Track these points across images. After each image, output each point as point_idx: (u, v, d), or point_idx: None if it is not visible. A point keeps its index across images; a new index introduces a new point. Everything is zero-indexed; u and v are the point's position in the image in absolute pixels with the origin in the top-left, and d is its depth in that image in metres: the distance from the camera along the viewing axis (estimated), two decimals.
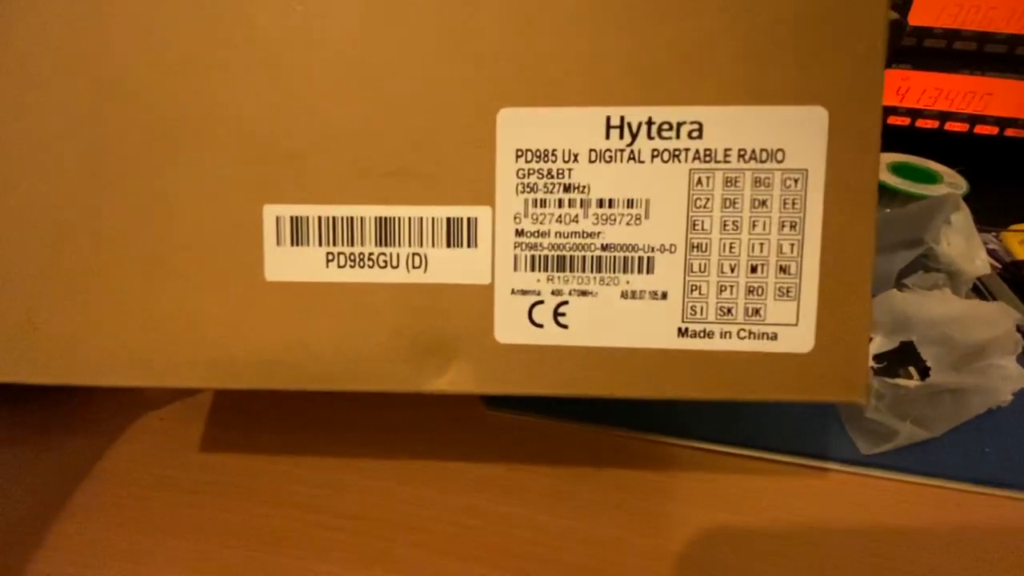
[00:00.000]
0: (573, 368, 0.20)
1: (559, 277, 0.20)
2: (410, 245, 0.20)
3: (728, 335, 0.19)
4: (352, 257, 0.20)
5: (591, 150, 0.19)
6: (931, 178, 0.40)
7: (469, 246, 0.20)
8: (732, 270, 0.19)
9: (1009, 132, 0.45)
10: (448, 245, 0.20)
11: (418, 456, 0.26)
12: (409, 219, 0.20)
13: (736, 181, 0.19)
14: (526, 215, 0.19)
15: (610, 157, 0.19)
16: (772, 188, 0.19)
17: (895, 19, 0.41)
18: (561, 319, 0.20)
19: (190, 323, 0.20)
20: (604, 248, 0.19)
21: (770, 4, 0.18)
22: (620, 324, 0.20)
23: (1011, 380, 0.26)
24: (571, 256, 0.20)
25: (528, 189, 0.19)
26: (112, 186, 0.20)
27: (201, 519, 0.23)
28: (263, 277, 0.20)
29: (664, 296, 0.19)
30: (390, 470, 0.25)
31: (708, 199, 0.19)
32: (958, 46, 0.44)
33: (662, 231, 0.19)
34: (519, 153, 0.19)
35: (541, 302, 0.20)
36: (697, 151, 0.19)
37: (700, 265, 0.19)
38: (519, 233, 0.19)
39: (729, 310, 0.19)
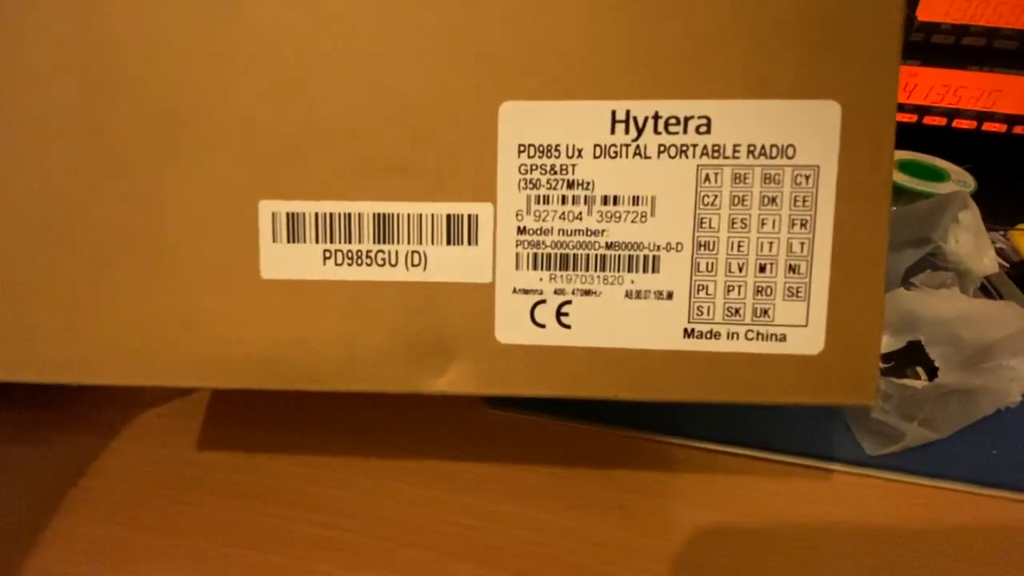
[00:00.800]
0: (576, 369, 0.19)
1: (562, 276, 0.19)
2: (409, 243, 0.19)
3: (735, 336, 0.19)
4: (350, 255, 0.19)
5: (596, 145, 0.19)
6: (938, 176, 0.40)
7: (470, 244, 0.19)
8: (740, 269, 0.19)
9: (1018, 130, 0.45)
10: (448, 243, 0.19)
11: (418, 455, 0.26)
12: (408, 216, 0.19)
13: (745, 177, 0.18)
14: (528, 212, 0.19)
15: (615, 153, 0.18)
16: (782, 185, 0.18)
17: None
18: (564, 319, 0.19)
19: (186, 321, 0.20)
20: (608, 246, 0.19)
21: None
22: (624, 324, 0.19)
23: (1020, 381, 0.26)
24: (574, 254, 0.19)
25: (530, 185, 0.19)
26: (107, 183, 0.19)
27: (199, 517, 0.23)
28: (259, 275, 0.20)
29: (670, 296, 0.19)
30: (389, 469, 0.25)
31: (716, 196, 0.18)
32: (967, 42, 0.43)
33: (668, 229, 0.19)
34: (521, 148, 0.19)
35: (543, 301, 0.19)
36: (705, 146, 0.18)
37: (707, 264, 0.19)
38: (521, 231, 0.19)
39: (737, 310, 0.19)
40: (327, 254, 0.20)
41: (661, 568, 0.22)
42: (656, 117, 0.18)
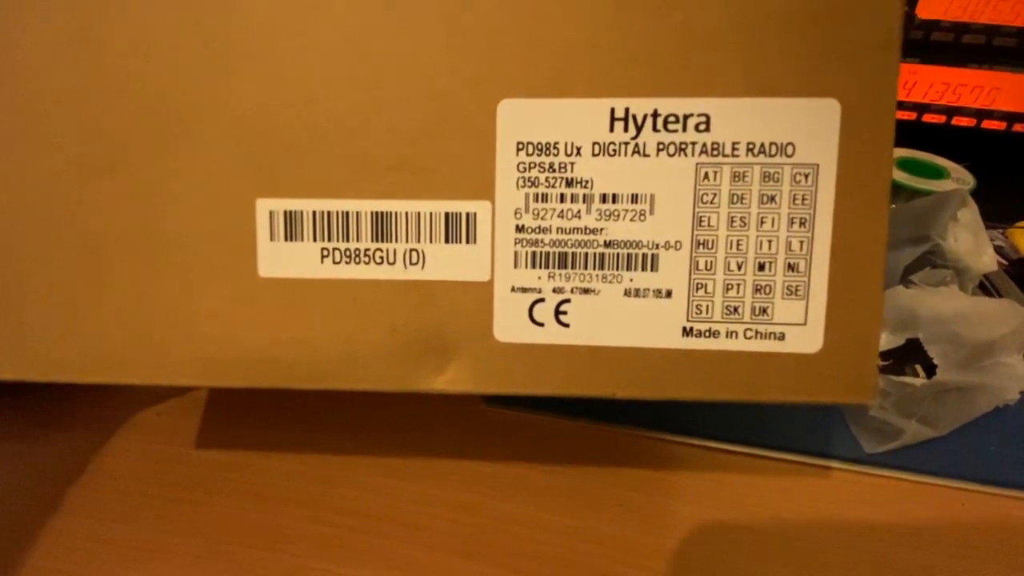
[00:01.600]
0: (574, 368, 0.19)
1: (560, 274, 0.19)
2: (407, 241, 0.19)
3: (734, 335, 0.19)
4: (348, 253, 0.19)
5: (594, 143, 0.18)
6: (938, 173, 0.40)
7: (468, 242, 0.19)
8: (739, 268, 0.19)
9: (1017, 127, 0.45)
10: (446, 241, 0.19)
11: (417, 453, 0.26)
12: (406, 214, 0.19)
13: (744, 176, 0.18)
14: (527, 210, 0.19)
15: (614, 150, 0.18)
16: (781, 183, 0.18)
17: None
18: (562, 317, 0.19)
19: (182, 320, 0.20)
20: (607, 245, 0.19)
21: None
22: (623, 323, 0.19)
23: (1018, 378, 0.26)
24: (573, 253, 0.19)
25: (529, 183, 0.19)
26: (103, 181, 0.19)
27: (198, 515, 0.23)
28: (257, 273, 0.20)
29: (668, 294, 0.19)
30: (388, 467, 0.25)
31: (715, 194, 0.18)
32: (966, 40, 0.43)
33: (667, 227, 0.19)
34: (520, 146, 0.19)
35: (542, 300, 0.19)
36: (704, 145, 0.18)
37: (706, 263, 0.19)
38: (519, 229, 0.19)
39: (735, 309, 0.19)
40: (325, 252, 0.19)
41: (660, 565, 0.22)
42: (655, 115, 0.18)
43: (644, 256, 0.19)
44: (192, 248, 0.19)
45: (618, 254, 0.19)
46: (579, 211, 0.19)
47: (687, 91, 0.18)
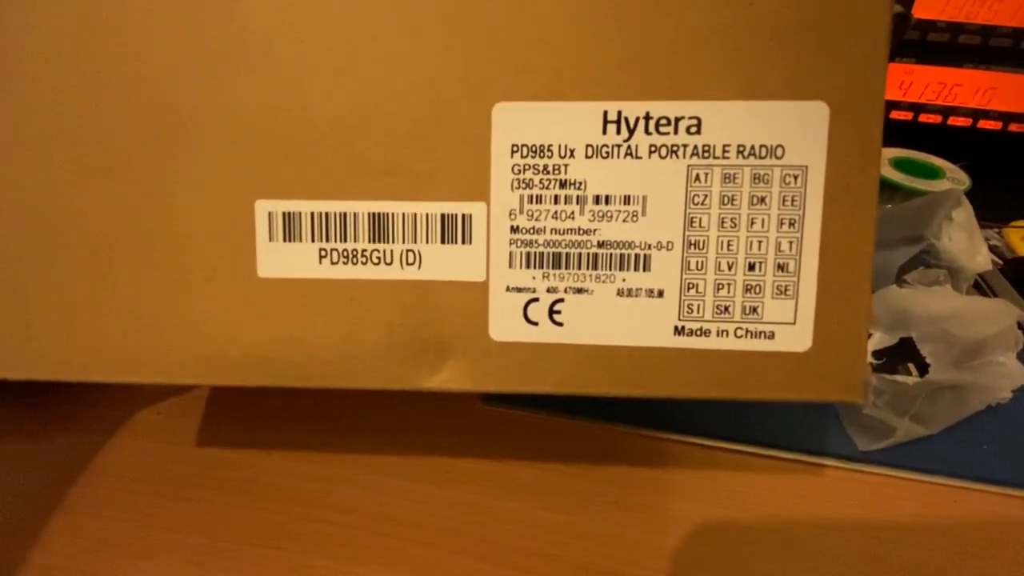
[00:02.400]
0: (568, 366, 0.20)
1: (554, 274, 0.19)
2: (404, 242, 0.19)
3: (725, 333, 0.19)
4: (345, 253, 0.20)
5: (588, 145, 0.19)
6: (933, 173, 0.40)
7: (463, 243, 0.19)
8: (730, 268, 0.19)
9: (1013, 127, 0.45)
10: (442, 241, 0.19)
11: (414, 451, 0.26)
12: (403, 215, 0.19)
13: (735, 177, 0.18)
14: (521, 211, 0.19)
15: (607, 153, 0.19)
16: (771, 185, 0.18)
17: (899, 12, 0.41)
18: (556, 317, 0.20)
19: (182, 319, 0.20)
20: (600, 245, 0.19)
21: None
22: (616, 322, 0.19)
23: (1011, 377, 0.26)
24: (567, 253, 0.19)
25: (524, 185, 0.19)
26: (102, 181, 0.20)
27: (198, 513, 0.23)
28: (255, 273, 0.20)
29: (660, 294, 0.19)
30: (386, 465, 0.25)
31: (706, 196, 0.19)
32: (963, 40, 0.43)
33: (659, 228, 0.19)
34: (515, 148, 0.19)
35: (536, 300, 0.20)
36: (695, 147, 0.18)
37: (697, 263, 0.19)
38: (514, 230, 0.19)
39: (726, 308, 0.19)
40: (323, 253, 0.20)
41: (656, 562, 0.22)
42: (647, 117, 0.18)
43: (636, 256, 0.19)
44: (192, 248, 0.20)
45: (611, 254, 0.19)
46: (572, 212, 0.19)
47: (679, 94, 0.18)
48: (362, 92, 0.19)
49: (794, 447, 0.26)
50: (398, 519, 0.23)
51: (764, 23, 0.18)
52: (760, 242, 0.19)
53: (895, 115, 0.46)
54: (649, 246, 0.19)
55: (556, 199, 0.19)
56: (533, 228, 0.19)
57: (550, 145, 0.19)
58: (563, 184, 0.19)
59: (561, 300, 0.19)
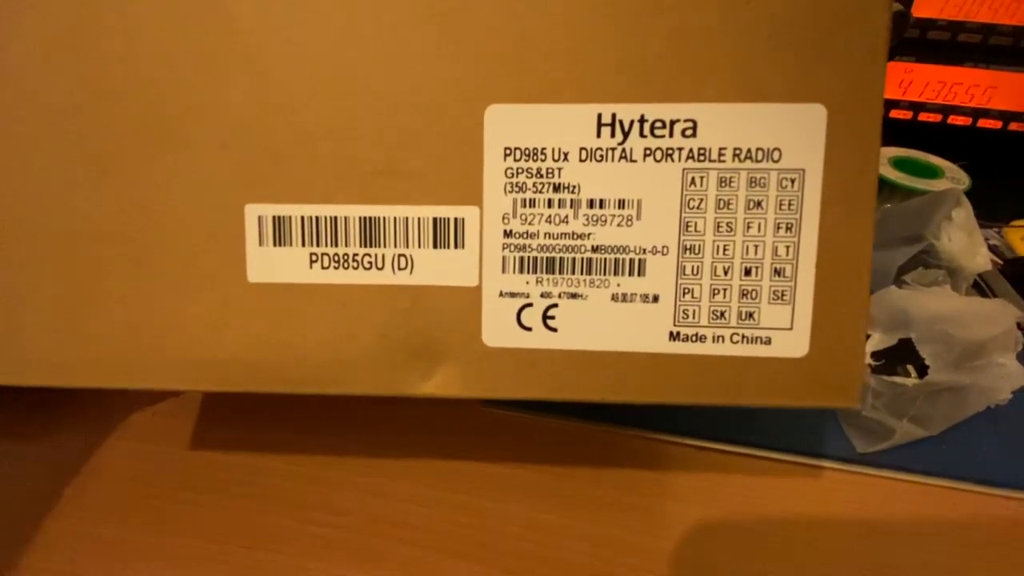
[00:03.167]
0: (562, 372, 0.20)
1: (548, 279, 0.19)
2: (396, 246, 0.19)
3: (721, 339, 0.19)
4: (336, 258, 0.19)
5: (582, 149, 0.18)
6: (933, 173, 0.40)
7: (456, 247, 0.19)
8: (726, 273, 0.19)
9: (1013, 126, 0.44)
10: (435, 246, 0.19)
11: (411, 453, 0.26)
12: (395, 219, 0.19)
13: (731, 181, 0.18)
14: (515, 215, 0.19)
15: (601, 156, 0.18)
16: (768, 189, 0.18)
17: (898, 11, 0.41)
18: (550, 322, 0.19)
19: (173, 324, 0.20)
20: (594, 250, 0.19)
21: None
22: (610, 327, 0.19)
23: (1010, 378, 0.26)
24: (561, 258, 0.19)
25: (517, 189, 0.19)
26: (92, 186, 0.19)
27: (193, 516, 0.23)
28: (246, 278, 0.20)
29: (655, 299, 0.19)
30: (382, 467, 0.25)
31: (702, 200, 0.18)
32: (962, 38, 0.43)
33: (654, 232, 0.19)
34: (508, 151, 0.19)
35: (530, 305, 0.19)
36: (691, 150, 0.18)
37: (693, 268, 0.19)
38: (507, 234, 0.19)
39: (722, 314, 0.19)
40: (314, 257, 0.20)
41: (654, 565, 0.22)
42: (642, 120, 0.18)
43: (631, 261, 0.19)
44: (182, 253, 0.20)
45: (605, 259, 0.19)
46: (566, 216, 0.19)
47: (674, 97, 0.18)
48: (353, 95, 0.19)
49: (792, 449, 0.26)
50: (393, 521, 0.23)
51: (761, 24, 0.17)
52: (756, 247, 0.18)
53: (894, 114, 0.46)
54: (644, 251, 0.19)
55: (550, 203, 0.19)
56: (526, 232, 0.19)
57: (543, 148, 0.19)
58: (557, 188, 0.19)
59: (555, 305, 0.19)
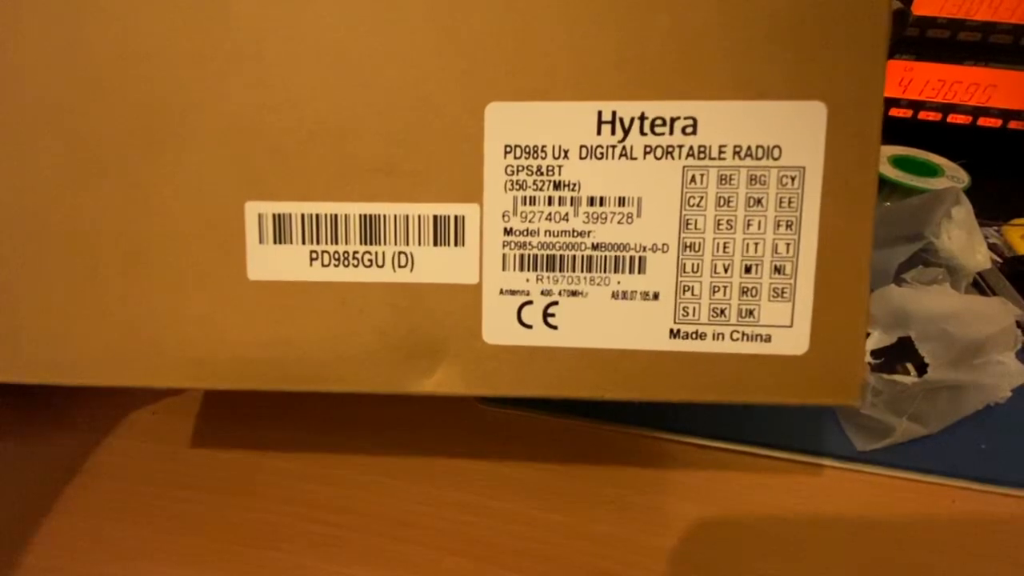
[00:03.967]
0: (563, 369, 0.20)
1: (548, 277, 0.19)
2: (396, 244, 0.19)
3: (721, 337, 0.19)
4: (336, 256, 0.19)
5: (582, 146, 0.18)
6: (932, 171, 0.40)
7: (456, 245, 0.19)
8: (726, 270, 0.19)
9: (1013, 125, 0.44)
10: (435, 244, 0.19)
11: (412, 451, 0.26)
12: (395, 217, 0.19)
13: (731, 179, 0.18)
14: (515, 213, 0.19)
15: (601, 154, 0.18)
16: (768, 186, 0.18)
17: (899, 8, 0.41)
18: (550, 320, 0.19)
19: (172, 323, 0.20)
20: (595, 247, 0.19)
21: None
22: (611, 325, 0.19)
23: (1010, 376, 0.26)
24: (561, 255, 0.19)
25: (517, 186, 0.19)
26: (91, 183, 0.19)
27: (193, 514, 0.23)
28: (246, 276, 0.20)
29: (656, 297, 0.19)
30: (383, 465, 0.25)
31: (702, 197, 0.18)
32: (962, 36, 0.43)
33: (654, 230, 0.19)
34: (508, 149, 0.19)
35: (530, 302, 0.19)
36: (691, 147, 0.18)
37: (693, 265, 0.19)
38: (507, 232, 0.19)
39: (722, 311, 0.19)
40: (314, 255, 0.20)
41: (655, 563, 0.22)
42: (642, 118, 0.18)
43: (631, 259, 0.19)
44: (182, 251, 0.20)
45: (605, 257, 0.19)
46: (567, 214, 0.19)
47: (674, 94, 0.18)
48: (353, 92, 0.19)
49: (792, 447, 0.26)
50: (394, 519, 0.23)
51: (761, 20, 0.17)
52: (756, 244, 0.18)
53: (894, 112, 0.46)
54: (644, 248, 0.19)
55: (550, 200, 0.19)
56: (527, 230, 0.19)
57: (544, 146, 0.19)
58: (557, 185, 0.19)
59: (555, 303, 0.19)
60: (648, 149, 0.18)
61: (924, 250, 0.29)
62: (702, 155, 0.18)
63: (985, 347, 0.26)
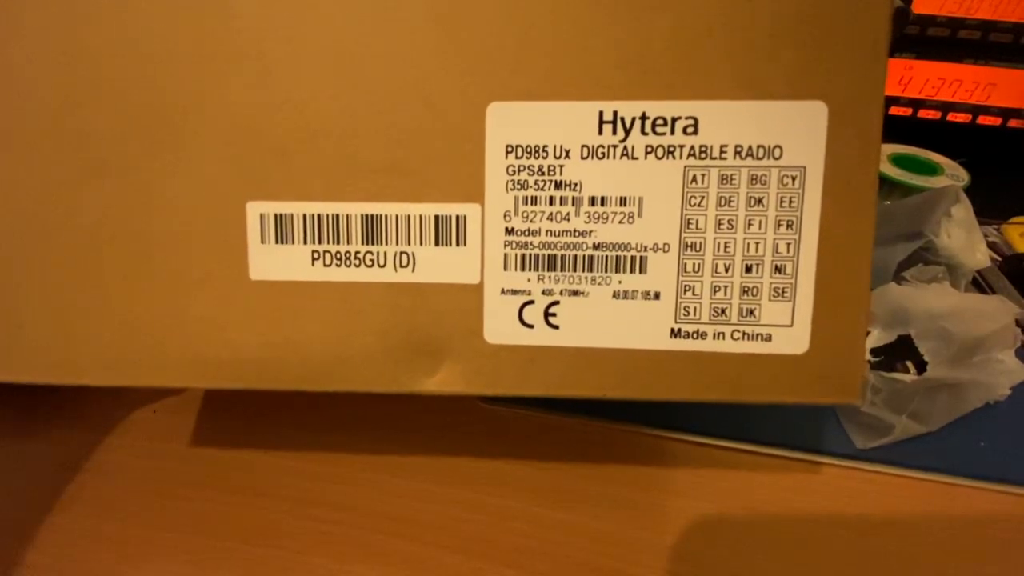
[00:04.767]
0: (564, 369, 0.20)
1: (550, 277, 0.19)
2: (397, 244, 0.19)
3: (721, 336, 0.19)
4: (338, 256, 0.20)
5: (583, 146, 0.18)
6: (932, 170, 0.40)
7: (458, 245, 0.19)
8: (727, 270, 0.19)
9: (1012, 123, 0.44)
10: (436, 244, 0.19)
11: (413, 449, 0.26)
12: (396, 217, 0.19)
13: (732, 178, 0.18)
14: (516, 213, 0.19)
15: (603, 153, 0.18)
16: (769, 186, 0.18)
17: (899, 7, 0.41)
18: (552, 319, 0.19)
19: (174, 322, 0.20)
20: (596, 247, 0.19)
21: None
22: (612, 325, 0.19)
23: (1009, 374, 0.26)
24: (562, 255, 0.19)
25: (518, 186, 0.19)
26: (92, 183, 0.19)
27: (194, 512, 0.23)
28: (248, 276, 0.20)
29: (657, 296, 0.19)
30: (385, 463, 0.25)
31: (703, 197, 0.18)
32: (962, 35, 0.43)
33: (655, 230, 0.19)
34: (509, 149, 0.19)
35: (531, 302, 0.19)
36: (692, 147, 0.18)
37: (694, 265, 0.19)
38: (509, 231, 0.19)
39: (723, 311, 0.19)
40: (315, 255, 0.20)
41: (655, 560, 0.22)
42: (643, 118, 0.18)
43: (632, 258, 0.19)
44: (184, 251, 0.20)
45: (607, 256, 0.19)
46: (568, 213, 0.19)
47: (675, 94, 0.18)
48: (355, 92, 0.19)
49: (792, 445, 0.26)
50: (396, 517, 0.23)
51: (762, 20, 0.17)
52: (757, 244, 0.18)
53: (894, 111, 0.46)
54: (645, 248, 0.19)
55: (551, 200, 0.19)
56: (528, 230, 0.19)
57: (545, 146, 0.19)
58: (558, 185, 0.19)
59: (557, 302, 0.19)
60: (649, 149, 0.18)
61: (924, 248, 0.30)
62: (703, 155, 0.18)
63: (984, 345, 0.26)
